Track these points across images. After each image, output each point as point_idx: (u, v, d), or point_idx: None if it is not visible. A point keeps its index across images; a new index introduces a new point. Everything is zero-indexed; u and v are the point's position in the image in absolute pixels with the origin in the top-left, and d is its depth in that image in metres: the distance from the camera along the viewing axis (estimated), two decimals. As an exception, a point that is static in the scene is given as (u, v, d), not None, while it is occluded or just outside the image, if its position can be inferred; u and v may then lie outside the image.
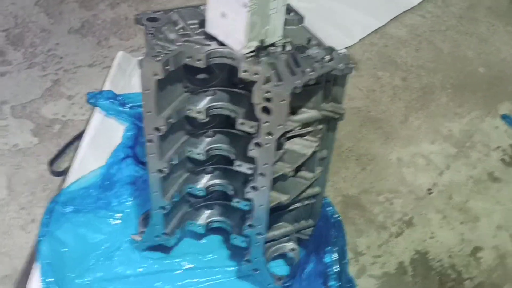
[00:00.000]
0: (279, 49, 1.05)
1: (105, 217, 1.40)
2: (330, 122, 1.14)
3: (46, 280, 1.22)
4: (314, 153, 1.14)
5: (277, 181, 1.12)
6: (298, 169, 1.18)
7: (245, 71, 1.01)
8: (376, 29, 2.55)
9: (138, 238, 1.33)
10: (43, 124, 1.98)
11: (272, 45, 1.06)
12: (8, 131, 1.95)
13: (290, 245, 1.32)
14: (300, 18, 1.17)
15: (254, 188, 1.07)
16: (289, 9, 1.19)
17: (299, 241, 1.35)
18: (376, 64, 2.34)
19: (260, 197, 1.09)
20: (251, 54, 1.01)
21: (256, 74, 0.99)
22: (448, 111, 2.10)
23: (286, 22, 1.15)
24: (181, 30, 1.10)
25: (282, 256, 1.35)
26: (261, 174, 1.05)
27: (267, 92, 0.93)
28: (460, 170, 1.86)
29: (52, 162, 1.80)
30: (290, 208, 1.27)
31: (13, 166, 1.83)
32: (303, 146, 1.13)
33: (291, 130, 1.03)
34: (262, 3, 0.99)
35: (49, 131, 1.96)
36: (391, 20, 2.61)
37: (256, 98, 0.94)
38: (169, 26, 1.10)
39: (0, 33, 2.48)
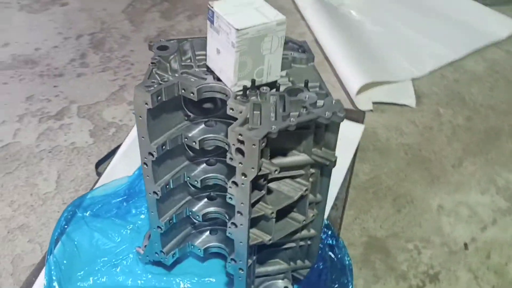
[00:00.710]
0: (273, 90, 1.04)
1: (120, 226, 1.47)
2: (323, 168, 1.10)
3: (50, 276, 1.32)
4: (303, 196, 1.11)
5: (260, 220, 1.10)
6: (289, 211, 1.16)
7: (231, 108, 1.01)
8: (451, 62, 2.40)
9: (141, 251, 1.39)
10: (101, 126, 2.13)
11: (267, 84, 1.05)
12: (70, 129, 2.12)
13: (284, 282, 1.30)
14: (310, 58, 1.15)
15: (233, 224, 1.07)
16: (302, 47, 1.17)
17: (296, 281, 1.32)
18: (441, 99, 2.21)
19: (239, 234, 1.08)
20: (240, 92, 1.01)
21: (240, 113, 0.99)
22: (510, 161, 1.92)
23: (294, 60, 1.14)
24: (188, 61, 1.14)
25: (276, 293, 1.32)
26: (239, 212, 1.04)
27: (240, 134, 0.92)
28: (507, 228, 1.69)
29: (98, 164, 1.93)
30: (285, 247, 1.25)
31: (66, 162, 1.99)
32: (292, 189, 1.10)
33: (276, 171, 1.01)
34: (253, 45, 0.99)
35: (104, 133, 2.09)
36: (470, 53, 2.44)
37: (230, 138, 0.94)
38: (176, 56, 1.14)
39: (86, 36, 2.70)
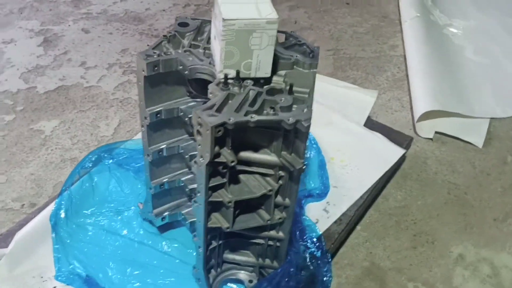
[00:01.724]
0: (255, 85, 1.06)
1: (134, 180, 1.59)
2: (291, 173, 1.10)
3: (60, 205, 1.48)
4: (267, 196, 1.12)
5: (222, 207, 1.14)
6: (257, 207, 1.18)
7: (211, 93, 1.06)
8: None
9: (141, 206, 1.50)
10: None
11: (253, 79, 1.08)
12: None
13: (249, 276, 1.32)
14: (313, 64, 1.14)
15: (194, 201, 1.12)
16: (313, 52, 1.17)
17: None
18: (514, 147, 2.01)
19: (197, 212, 1.13)
20: (223, 79, 1.05)
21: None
22: None
23: (297, 63, 1.14)
24: (198, 41, 1.19)
25: (241, 282, 1.35)
26: (198, 191, 1.09)
27: (199, 117, 0.97)
28: (525, 302, 1.52)
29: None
30: (254, 241, 1.27)
31: (130, 114, 2.17)
32: (258, 185, 1.12)
33: (233, 162, 1.04)
34: (240, 37, 1.01)
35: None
36: None
37: (193, 119, 0.99)
38: (191, 34, 1.20)
39: (192, 6, 2.87)
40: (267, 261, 1.30)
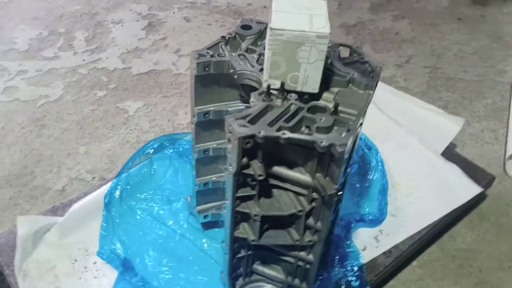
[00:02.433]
0: (301, 100, 1.01)
1: (190, 171, 1.60)
2: (324, 197, 1.03)
3: (116, 185, 1.54)
4: (297, 216, 1.07)
5: (250, 218, 1.10)
6: (289, 225, 1.13)
7: (252, 101, 1.02)
8: None
9: (189, 199, 1.51)
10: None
11: (298, 93, 1.02)
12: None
13: (275, 290, 1.28)
14: (370, 85, 1.06)
15: (224, 208, 1.10)
16: (374, 72, 1.09)
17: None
18: None
19: (225, 219, 1.11)
20: (266, 89, 1.01)
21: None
22: None
23: (353, 82, 1.07)
24: (256, 46, 1.16)
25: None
26: (227, 199, 1.07)
27: (230, 125, 0.94)
28: None
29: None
30: (284, 259, 1.22)
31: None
32: (289, 203, 1.07)
33: (261, 176, 1.00)
34: (287, 48, 0.97)
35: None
36: None
37: (225, 126, 0.97)
38: (251, 38, 1.18)
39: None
40: (296, 281, 1.25)
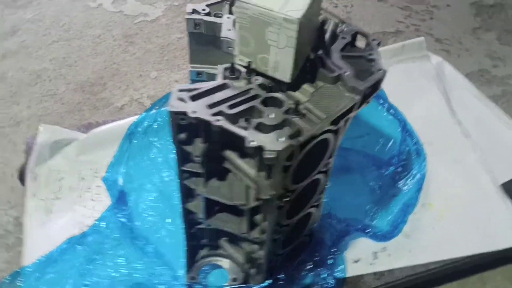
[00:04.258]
0: (261, 87, 0.89)
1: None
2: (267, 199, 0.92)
3: (142, 119, 1.56)
4: (241, 209, 0.98)
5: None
6: (241, 214, 1.04)
7: (217, 74, 0.93)
8: None
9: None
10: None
11: (269, 78, 0.90)
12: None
13: (235, 272, 1.22)
14: (357, 89, 0.89)
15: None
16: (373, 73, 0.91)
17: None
18: None
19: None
20: (231, 65, 0.91)
21: (216, 82, 0.91)
22: None
23: (342, 80, 0.92)
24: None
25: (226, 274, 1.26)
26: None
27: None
28: None
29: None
30: (241, 245, 1.15)
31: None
32: (238, 193, 0.97)
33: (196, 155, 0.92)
34: (254, 25, 0.84)
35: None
36: None
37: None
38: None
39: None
40: (253, 271, 1.17)
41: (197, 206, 1.05)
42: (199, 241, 1.21)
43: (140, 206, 1.41)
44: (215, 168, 0.97)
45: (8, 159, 1.78)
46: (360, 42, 0.99)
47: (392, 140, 1.50)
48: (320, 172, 0.98)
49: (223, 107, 0.84)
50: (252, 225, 1.01)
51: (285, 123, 0.83)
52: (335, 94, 0.90)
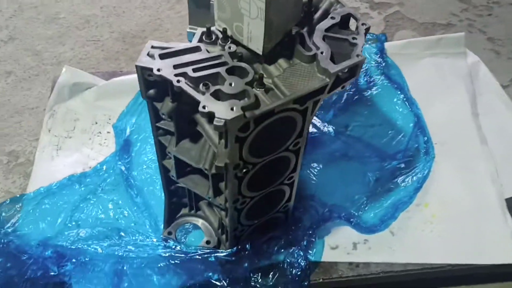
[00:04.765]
0: (233, 55, 0.89)
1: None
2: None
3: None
4: (205, 174, 1.00)
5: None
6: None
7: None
8: None
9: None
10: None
11: (244, 47, 0.90)
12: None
13: (210, 235, 1.25)
14: (328, 72, 0.87)
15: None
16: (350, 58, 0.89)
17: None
18: None
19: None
20: (207, 30, 0.91)
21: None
22: None
23: (316, 62, 0.90)
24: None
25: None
26: (155, 125, 1.04)
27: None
28: None
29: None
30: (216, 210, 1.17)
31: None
32: (205, 157, 1.00)
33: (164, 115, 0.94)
34: (230, -10, 0.84)
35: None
36: None
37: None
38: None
39: None
40: (223, 237, 1.19)
41: (171, 164, 1.08)
42: (180, 199, 1.24)
43: (142, 157, 1.46)
44: (188, 130, 0.99)
45: (44, 95, 1.89)
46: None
47: (402, 134, 1.45)
48: (288, 151, 0.97)
49: (188, 69, 0.85)
50: (217, 191, 1.03)
51: (244, 94, 0.83)
52: (307, 73, 0.88)
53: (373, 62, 1.56)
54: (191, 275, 1.17)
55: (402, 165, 1.39)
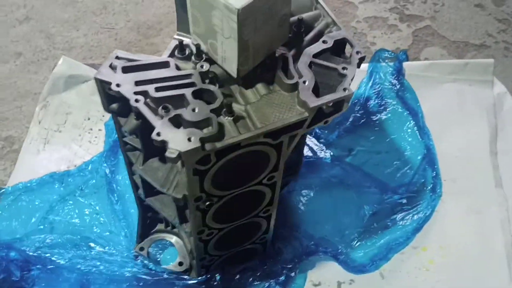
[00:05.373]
0: (201, 71, 0.79)
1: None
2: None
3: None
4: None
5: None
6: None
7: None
8: None
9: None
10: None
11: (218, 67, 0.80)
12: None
13: (183, 256, 1.17)
14: (307, 106, 0.76)
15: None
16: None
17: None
18: None
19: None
20: (178, 45, 0.82)
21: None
22: None
23: (297, 93, 0.79)
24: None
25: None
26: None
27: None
28: None
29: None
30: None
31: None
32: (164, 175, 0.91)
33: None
34: (203, 5, 0.74)
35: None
36: None
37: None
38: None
39: None
40: (194, 263, 1.10)
41: (139, 182, 1.00)
42: (156, 214, 1.16)
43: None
44: (158, 148, 0.90)
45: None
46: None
47: (409, 166, 1.32)
48: (262, 184, 0.87)
49: (150, 88, 0.76)
50: (183, 218, 0.94)
51: (208, 122, 0.73)
52: (285, 104, 0.77)
53: (387, 83, 1.43)
54: (156, 298, 1.09)
55: (404, 201, 1.27)
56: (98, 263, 1.12)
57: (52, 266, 1.14)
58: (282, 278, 1.13)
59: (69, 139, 1.44)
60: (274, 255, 1.14)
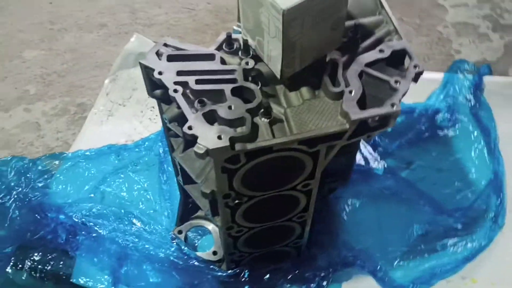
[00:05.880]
0: (245, 67, 0.77)
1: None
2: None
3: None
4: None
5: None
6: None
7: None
8: None
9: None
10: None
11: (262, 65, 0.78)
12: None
13: (217, 241, 1.17)
14: (349, 117, 0.72)
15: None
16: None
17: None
18: None
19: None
20: (227, 38, 0.80)
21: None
22: None
23: (342, 101, 0.75)
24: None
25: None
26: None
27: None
28: None
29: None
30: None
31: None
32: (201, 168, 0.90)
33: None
34: (252, 2, 0.71)
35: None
36: None
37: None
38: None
39: None
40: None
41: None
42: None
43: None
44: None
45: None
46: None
47: (471, 189, 1.23)
48: (296, 190, 0.84)
49: (190, 79, 0.75)
50: (215, 211, 0.93)
51: (242, 121, 0.71)
52: (327, 111, 0.73)
53: (462, 98, 1.33)
54: (185, 283, 1.10)
55: (459, 226, 1.18)
56: (136, 240, 1.15)
57: (95, 235, 1.19)
58: (314, 285, 1.09)
59: (131, 114, 1.48)
60: (308, 260, 1.11)
